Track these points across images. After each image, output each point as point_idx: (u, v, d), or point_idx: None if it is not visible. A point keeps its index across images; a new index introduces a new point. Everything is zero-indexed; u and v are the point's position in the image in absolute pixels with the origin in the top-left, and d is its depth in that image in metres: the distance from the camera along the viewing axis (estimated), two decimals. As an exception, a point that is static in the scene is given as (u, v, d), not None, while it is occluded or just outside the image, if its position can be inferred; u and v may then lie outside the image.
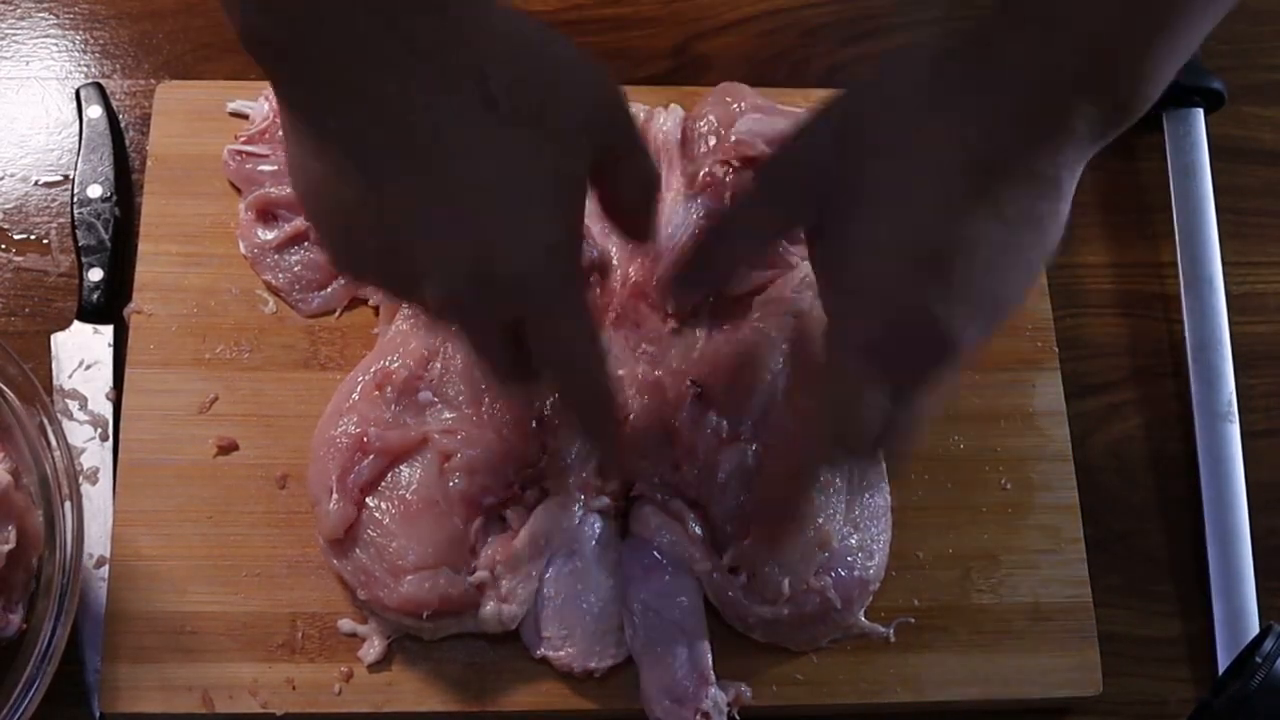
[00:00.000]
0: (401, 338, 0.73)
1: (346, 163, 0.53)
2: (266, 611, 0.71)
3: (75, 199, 0.80)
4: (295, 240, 0.78)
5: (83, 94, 0.83)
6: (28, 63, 0.86)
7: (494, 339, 0.58)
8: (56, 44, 0.87)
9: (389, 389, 0.71)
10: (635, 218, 0.63)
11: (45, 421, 0.69)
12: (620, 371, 0.76)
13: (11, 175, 0.82)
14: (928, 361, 0.59)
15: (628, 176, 0.61)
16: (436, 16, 0.51)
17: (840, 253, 0.59)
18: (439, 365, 0.72)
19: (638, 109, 0.82)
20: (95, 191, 0.80)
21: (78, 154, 0.81)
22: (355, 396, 0.71)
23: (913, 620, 0.73)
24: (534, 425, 0.72)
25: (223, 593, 0.71)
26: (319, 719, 0.70)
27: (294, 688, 0.69)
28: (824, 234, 0.60)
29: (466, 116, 0.53)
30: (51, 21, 0.87)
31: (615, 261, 0.78)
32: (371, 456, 0.70)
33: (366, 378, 0.72)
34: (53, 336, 0.77)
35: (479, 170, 0.54)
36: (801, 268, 0.77)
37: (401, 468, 0.70)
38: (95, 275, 0.78)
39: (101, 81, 0.84)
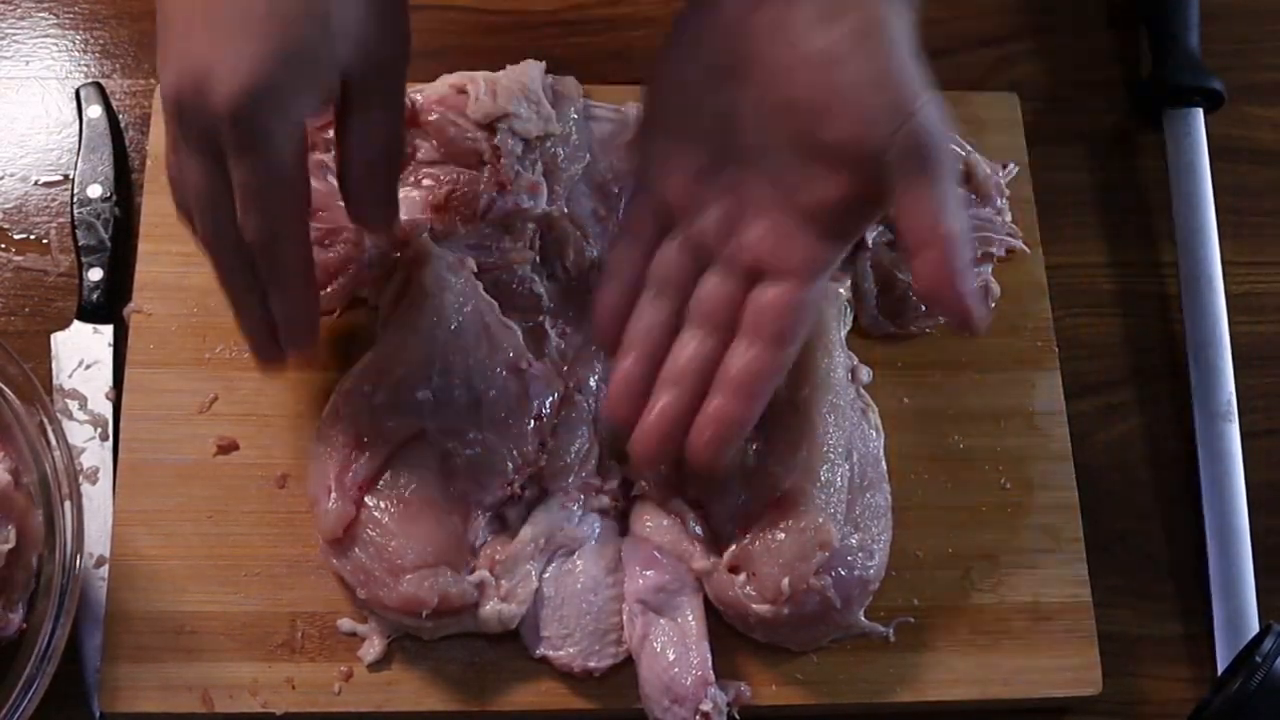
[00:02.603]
0: (400, 338, 0.73)
1: None
2: (266, 611, 0.71)
3: (75, 199, 0.80)
4: (295, 240, 0.78)
5: (83, 94, 0.83)
6: (28, 63, 0.86)
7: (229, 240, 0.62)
8: (56, 44, 0.87)
9: (387, 388, 0.71)
10: (351, 186, 0.66)
11: (45, 421, 0.69)
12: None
13: (11, 175, 0.82)
14: None
15: (358, 130, 0.64)
16: None
17: None
18: (437, 363, 0.72)
19: (638, 110, 0.82)
20: (95, 191, 0.80)
21: (78, 154, 0.81)
22: (353, 395, 0.71)
23: (913, 620, 0.73)
24: (533, 424, 0.72)
25: (223, 593, 0.71)
26: (319, 718, 0.70)
27: (294, 687, 0.70)
28: None
29: None
30: (51, 21, 0.87)
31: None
32: (369, 452, 0.70)
33: (364, 377, 0.72)
34: (53, 336, 0.77)
35: None
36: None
37: (401, 467, 0.70)
38: (95, 275, 0.78)
39: (101, 81, 0.84)
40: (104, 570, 0.71)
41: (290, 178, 0.61)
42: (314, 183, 0.78)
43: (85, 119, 0.82)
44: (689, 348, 0.65)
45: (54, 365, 0.76)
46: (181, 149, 0.62)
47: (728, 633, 0.71)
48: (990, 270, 0.81)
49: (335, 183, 0.78)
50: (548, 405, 0.73)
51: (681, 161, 0.65)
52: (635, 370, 0.65)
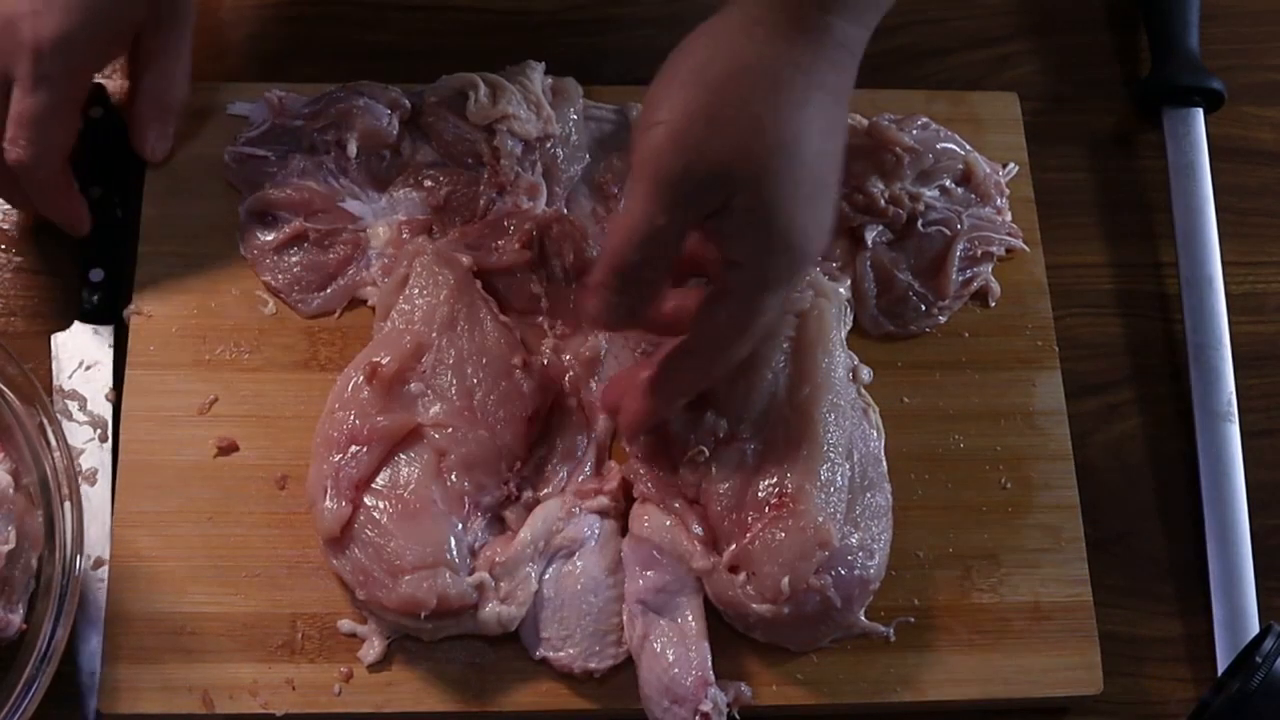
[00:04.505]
0: (396, 334, 0.73)
1: None
2: (266, 611, 0.71)
3: (75, 199, 0.80)
4: (295, 241, 0.78)
5: (83, 94, 0.83)
6: (28, 63, 0.86)
7: None
8: (56, 45, 0.87)
9: (380, 380, 0.71)
10: (135, 121, 0.78)
11: (45, 422, 0.69)
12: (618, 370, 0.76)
13: (11, 176, 0.82)
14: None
15: (148, 75, 0.78)
16: None
17: None
18: (431, 358, 0.72)
19: (638, 110, 0.82)
20: (95, 192, 0.79)
21: (78, 154, 0.81)
22: (347, 392, 0.71)
23: (913, 620, 0.73)
24: (526, 424, 0.72)
25: (223, 593, 0.71)
26: (319, 719, 0.70)
27: (294, 688, 0.70)
28: None
29: None
30: (51, 22, 0.87)
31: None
32: (365, 448, 0.69)
33: (358, 373, 0.72)
34: (53, 337, 0.77)
35: None
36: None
37: (399, 466, 0.70)
38: (95, 275, 0.78)
39: (102, 81, 0.84)
40: (103, 571, 0.71)
41: (69, 115, 0.73)
42: (314, 184, 0.79)
43: (86, 119, 0.81)
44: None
45: (54, 366, 0.76)
46: None
47: (728, 633, 0.71)
48: (990, 270, 0.81)
49: (334, 184, 0.79)
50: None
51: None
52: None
